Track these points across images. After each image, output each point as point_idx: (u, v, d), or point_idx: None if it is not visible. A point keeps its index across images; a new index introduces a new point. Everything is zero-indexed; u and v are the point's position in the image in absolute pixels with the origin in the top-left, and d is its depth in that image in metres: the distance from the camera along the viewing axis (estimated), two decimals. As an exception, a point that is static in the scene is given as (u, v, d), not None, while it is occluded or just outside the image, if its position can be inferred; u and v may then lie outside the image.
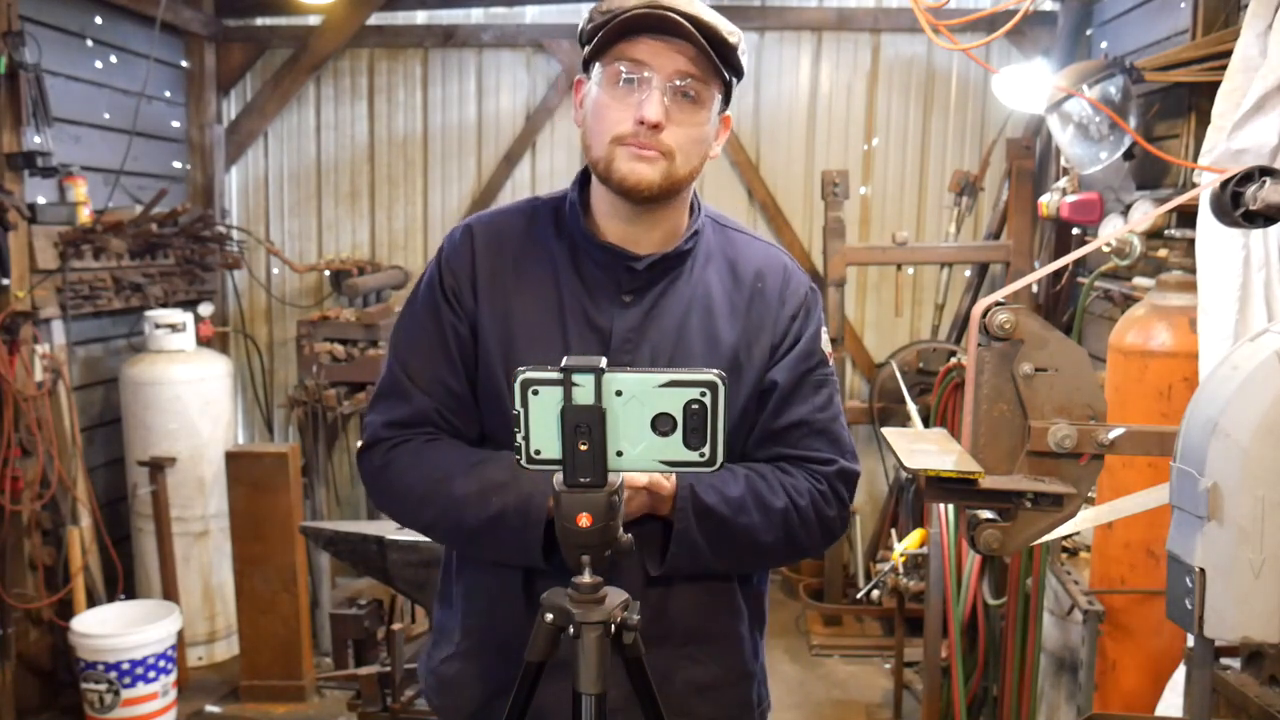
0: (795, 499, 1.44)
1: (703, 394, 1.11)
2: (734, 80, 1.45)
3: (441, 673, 1.55)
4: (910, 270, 5.02)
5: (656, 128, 1.35)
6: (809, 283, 1.56)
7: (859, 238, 5.07)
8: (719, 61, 1.37)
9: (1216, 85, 2.32)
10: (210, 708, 3.93)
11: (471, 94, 5.21)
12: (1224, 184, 1.38)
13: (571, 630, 1.17)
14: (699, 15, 1.34)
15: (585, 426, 1.10)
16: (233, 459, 3.91)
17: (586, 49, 1.41)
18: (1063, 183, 3.82)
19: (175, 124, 4.92)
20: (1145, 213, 3.26)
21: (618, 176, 1.39)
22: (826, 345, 1.53)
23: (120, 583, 3.95)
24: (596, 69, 1.40)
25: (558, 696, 1.27)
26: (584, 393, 1.10)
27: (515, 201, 1.58)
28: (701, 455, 1.13)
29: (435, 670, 1.57)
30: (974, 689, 3.41)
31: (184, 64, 4.95)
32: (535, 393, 1.10)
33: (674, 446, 1.12)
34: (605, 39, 1.36)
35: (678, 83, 1.36)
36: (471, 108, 5.21)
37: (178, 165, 4.95)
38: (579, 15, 5.02)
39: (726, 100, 1.46)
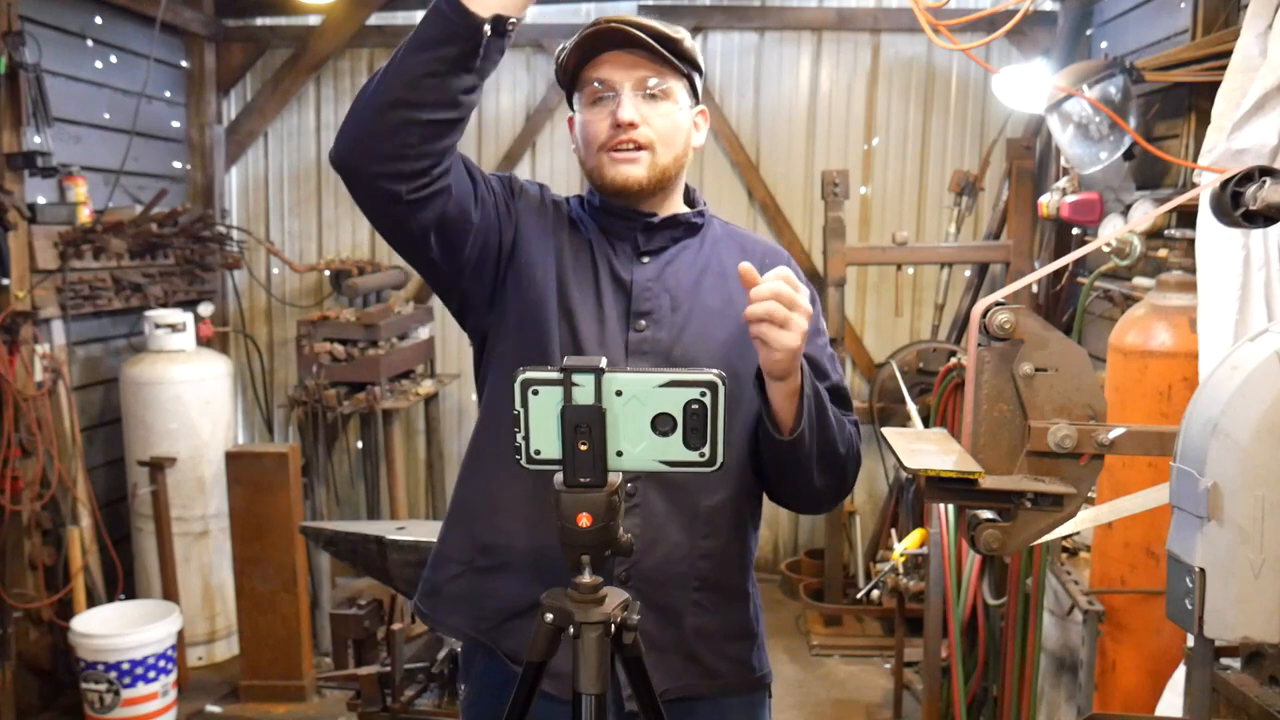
0: (847, 424, 1.57)
1: (703, 394, 1.11)
2: (695, 75, 1.59)
3: (446, 592, 1.61)
4: (910, 270, 5.02)
5: (632, 125, 1.50)
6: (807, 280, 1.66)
7: (859, 238, 5.07)
8: (673, 58, 1.52)
9: (1216, 85, 2.32)
10: (210, 708, 3.93)
11: (471, 94, 5.20)
12: (1224, 184, 1.37)
13: (571, 630, 1.17)
14: (644, 22, 1.51)
15: (585, 426, 1.10)
16: (233, 459, 3.91)
17: (565, 85, 1.59)
18: (1063, 183, 3.82)
19: (175, 124, 4.92)
20: (1145, 213, 3.26)
21: (608, 180, 1.54)
22: (824, 325, 1.70)
23: (120, 583, 3.96)
24: (577, 98, 1.57)
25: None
26: (584, 393, 1.10)
27: None
28: (701, 455, 1.13)
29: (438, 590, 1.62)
30: (974, 689, 3.41)
31: (184, 64, 4.95)
32: (535, 393, 1.10)
33: (674, 446, 1.12)
34: (573, 67, 1.55)
35: (645, 87, 1.52)
36: (471, 108, 5.21)
37: (178, 165, 4.95)
38: (579, 15, 5.03)
39: (695, 93, 1.61)
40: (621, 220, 1.58)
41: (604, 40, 1.50)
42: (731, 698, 1.61)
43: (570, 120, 1.61)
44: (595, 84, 1.52)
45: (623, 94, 1.50)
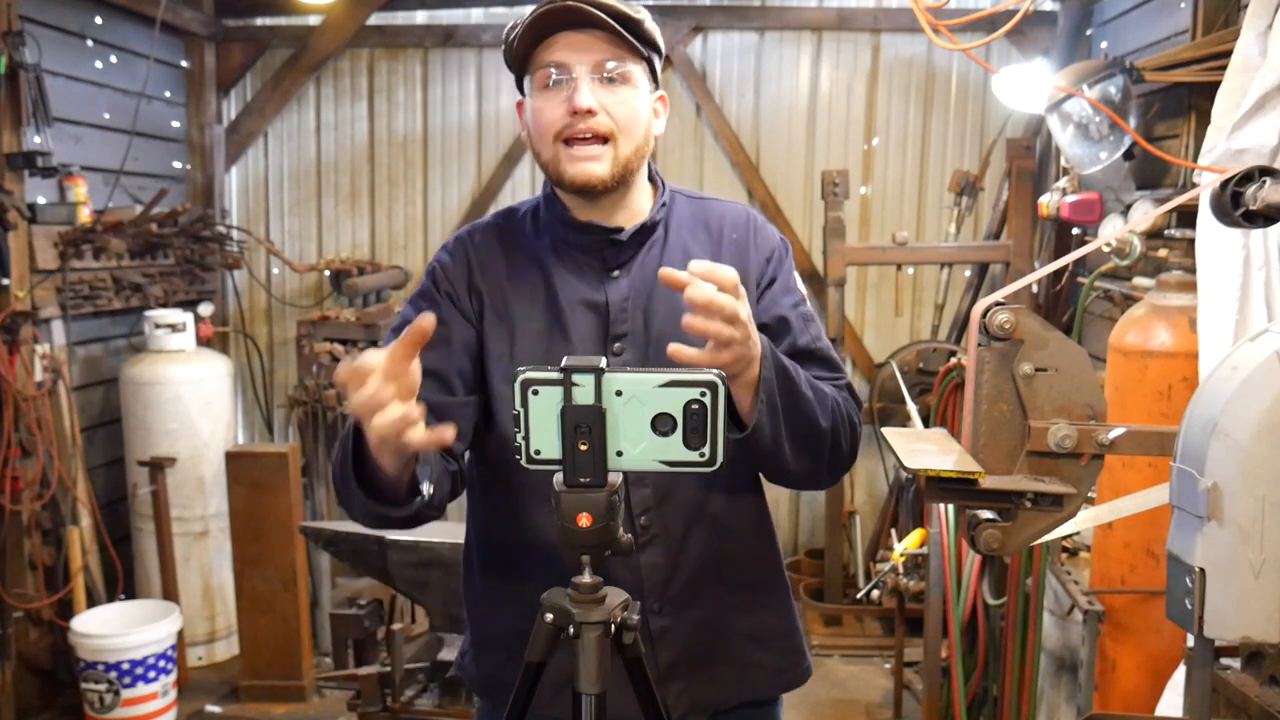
0: (834, 394, 1.47)
1: (703, 394, 1.10)
2: (655, 57, 1.48)
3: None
4: (910, 270, 5.02)
5: (590, 113, 1.40)
6: (779, 235, 1.60)
7: (859, 238, 5.07)
8: (633, 39, 1.41)
9: (1216, 85, 2.32)
10: (210, 708, 3.93)
11: (471, 94, 5.21)
12: (1224, 184, 1.37)
13: (571, 630, 1.17)
14: (600, 0, 1.39)
15: (585, 426, 1.10)
16: (233, 459, 3.91)
17: (515, 68, 1.48)
18: (1063, 183, 3.82)
19: (175, 124, 4.92)
20: (1145, 213, 3.26)
21: (568, 178, 1.44)
22: (802, 287, 1.59)
23: (120, 583, 3.96)
24: (527, 82, 1.46)
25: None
26: (584, 393, 1.10)
27: (489, 215, 1.62)
28: (701, 455, 1.12)
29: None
30: (974, 689, 3.41)
31: (184, 64, 4.95)
32: (535, 393, 1.10)
33: (674, 446, 1.12)
34: (524, 48, 1.43)
35: (603, 71, 1.41)
36: (471, 108, 5.21)
37: (178, 165, 4.95)
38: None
39: (655, 78, 1.50)
40: (587, 235, 1.49)
41: (558, 19, 1.38)
42: (790, 691, 1.65)
43: (519, 105, 1.50)
44: (548, 67, 1.41)
45: (579, 78, 1.39)
